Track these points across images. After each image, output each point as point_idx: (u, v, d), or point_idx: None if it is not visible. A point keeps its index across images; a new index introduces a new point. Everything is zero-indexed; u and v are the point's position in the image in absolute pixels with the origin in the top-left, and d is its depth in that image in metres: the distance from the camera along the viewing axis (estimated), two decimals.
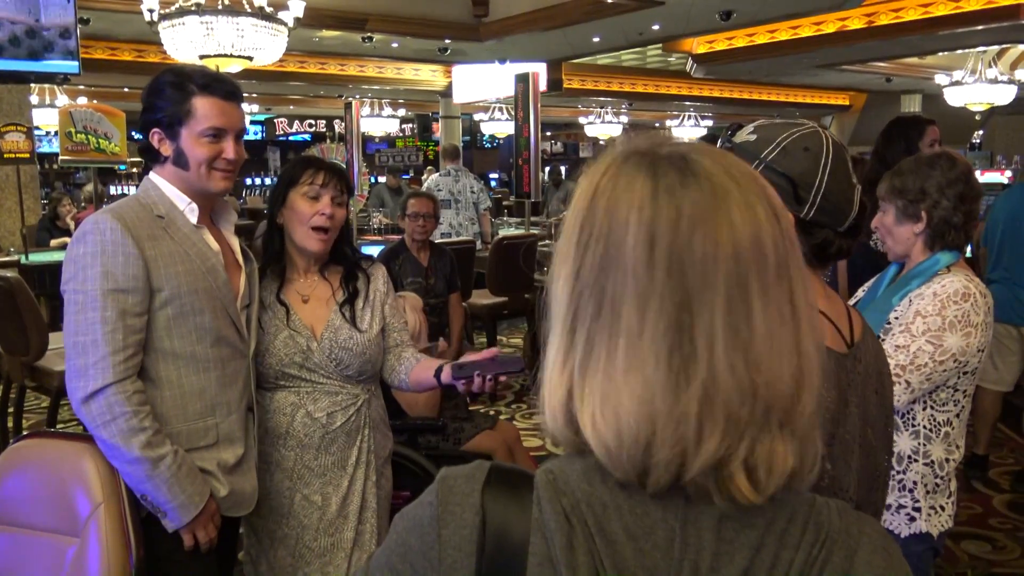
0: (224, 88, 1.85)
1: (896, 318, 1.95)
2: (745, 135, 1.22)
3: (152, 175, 1.88)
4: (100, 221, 1.74)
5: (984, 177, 9.78)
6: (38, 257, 6.50)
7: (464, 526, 0.67)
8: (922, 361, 1.84)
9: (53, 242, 7.39)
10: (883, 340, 1.94)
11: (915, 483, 1.92)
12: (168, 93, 1.81)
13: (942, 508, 1.95)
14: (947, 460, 1.94)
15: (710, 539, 0.65)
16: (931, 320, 1.86)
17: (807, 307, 0.67)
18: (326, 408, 2.07)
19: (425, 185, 8.15)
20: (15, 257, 6.44)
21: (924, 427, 1.92)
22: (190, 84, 1.81)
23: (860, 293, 2.18)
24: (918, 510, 1.91)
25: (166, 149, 1.84)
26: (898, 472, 1.93)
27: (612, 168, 0.69)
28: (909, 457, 1.93)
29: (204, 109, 1.81)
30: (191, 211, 1.86)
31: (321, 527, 2.07)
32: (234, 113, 1.87)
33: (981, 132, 15.56)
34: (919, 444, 1.93)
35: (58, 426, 4.30)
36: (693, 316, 0.63)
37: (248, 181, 18.25)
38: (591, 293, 0.66)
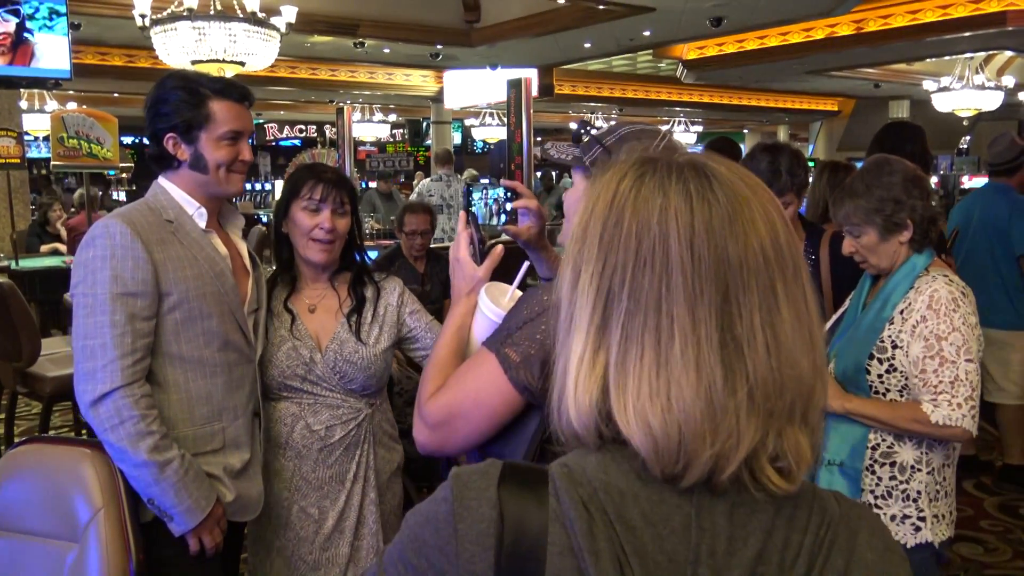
0: (238, 92, 1.88)
1: (890, 337, 1.92)
2: (604, 127, 1.32)
3: (161, 180, 1.88)
4: (110, 225, 1.75)
5: (972, 182, 9.88)
6: (28, 263, 6.47)
7: (481, 520, 0.68)
8: (975, 380, 1.85)
9: (43, 248, 7.36)
10: (876, 358, 1.94)
11: (919, 492, 1.91)
12: (181, 98, 1.82)
13: (943, 516, 1.94)
14: (945, 466, 1.95)
15: (724, 524, 0.67)
16: (955, 337, 1.85)
17: (815, 304, 0.72)
18: (325, 421, 2.05)
19: (416, 190, 8.12)
20: (5, 263, 6.41)
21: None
22: (203, 89, 1.83)
23: (848, 303, 2.17)
24: (923, 519, 1.90)
25: (183, 154, 1.84)
26: (901, 482, 1.91)
27: (631, 174, 0.72)
28: (912, 467, 1.91)
29: (222, 113, 1.83)
30: (200, 216, 1.87)
31: (317, 541, 2.06)
32: (247, 116, 1.91)
33: (968, 138, 15.70)
34: (922, 453, 1.91)
35: (50, 432, 4.27)
36: (734, 315, 0.67)
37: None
38: (625, 293, 0.69)
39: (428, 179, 7.83)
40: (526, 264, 1.37)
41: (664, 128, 1.36)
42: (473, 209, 1.49)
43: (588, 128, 1.39)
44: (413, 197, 7.61)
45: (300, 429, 2.05)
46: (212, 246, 1.88)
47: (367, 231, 8.49)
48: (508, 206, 1.47)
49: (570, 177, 1.47)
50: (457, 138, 17.53)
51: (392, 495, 2.20)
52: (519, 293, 1.32)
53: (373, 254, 5.24)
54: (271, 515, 2.05)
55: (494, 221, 8.62)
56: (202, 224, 1.87)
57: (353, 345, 2.05)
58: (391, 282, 2.20)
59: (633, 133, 1.28)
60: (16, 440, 4.05)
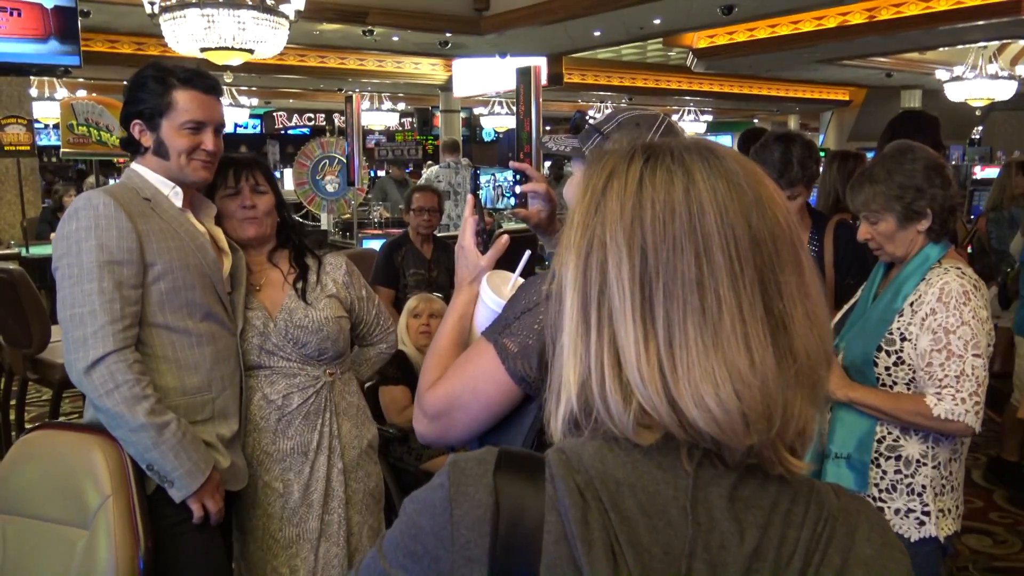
0: (205, 83, 1.91)
1: (899, 329, 1.90)
2: (600, 117, 1.31)
3: (134, 165, 1.93)
4: (92, 197, 1.78)
5: (984, 172, 9.79)
6: (39, 250, 6.50)
7: (478, 506, 0.67)
8: (982, 376, 1.83)
9: (53, 235, 7.38)
10: (884, 350, 1.92)
11: (924, 487, 1.89)
12: (150, 86, 1.87)
13: (949, 511, 1.92)
14: (952, 460, 1.93)
15: (720, 518, 0.66)
16: (963, 331, 1.82)
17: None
18: (282, 390, 2.08)
19: (425, 176, 8.17)
20: (16, 250, 6.44)
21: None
22: (171, 78, 1.87)
23: (860, 293, 2.15)
24: (927, 514, 1.89)
25: (147, 140, 1.89)
26: (906, 476, 1.90)
27: (639, 156, 0.71)
28: (917, 461, 1.90)
29: (185, 102, 1.87)
30: (175, 195, 1.91)
31: (285, 516, 2.07)
32: (214, 107, 1.93)
33: (981, 128, 15.55)
34: (928, 447, 1.89)
35: (60, 418, 4.29)
36: (772, 290, 0.67)
37: None
38: (661, 276, 0.67)
39: (437, 166, 7.92)
40: (528, 252, 1.36)
41: (660, 113, 1.36)
42: (480, 193, 1.46)
43: (585, 118, 1.39)
44: (422, 183, 7.67)
45: (257, 400, 2.07)
46: (190, 223, 1.92)
47: (376, 219, 8.50)
48: (517, 189, 1.45)
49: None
50: (463, 127, 17.47)
51: (366, 474, 2.20)
52: (521, 281, 1.32)
53: (379, 243, 5.23)
54: (239, 494, 2.05)
55: (500, 204, 8.60)
56: (178, 203, 1.91)
57: (303, 311, 2.10)
58: (336, 258, 2.26)
59: (632, 119, 1.28)
60: (27, 426, 4.08)
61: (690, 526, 0.66)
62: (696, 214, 0.67)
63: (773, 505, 0.67)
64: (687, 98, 16.70)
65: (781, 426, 0.66)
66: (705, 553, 0.65)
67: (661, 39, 10.89)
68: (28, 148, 6.63)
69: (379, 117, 15.29)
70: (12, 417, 4.31)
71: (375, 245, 5.94)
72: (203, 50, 6.28)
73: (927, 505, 1.89)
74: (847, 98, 16.52)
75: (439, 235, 4.64)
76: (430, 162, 13.51)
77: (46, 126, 13.83)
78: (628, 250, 0.68)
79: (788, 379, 0.66)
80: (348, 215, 7.68)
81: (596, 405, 0.69)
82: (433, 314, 3.21)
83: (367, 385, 3.19)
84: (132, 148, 1.93)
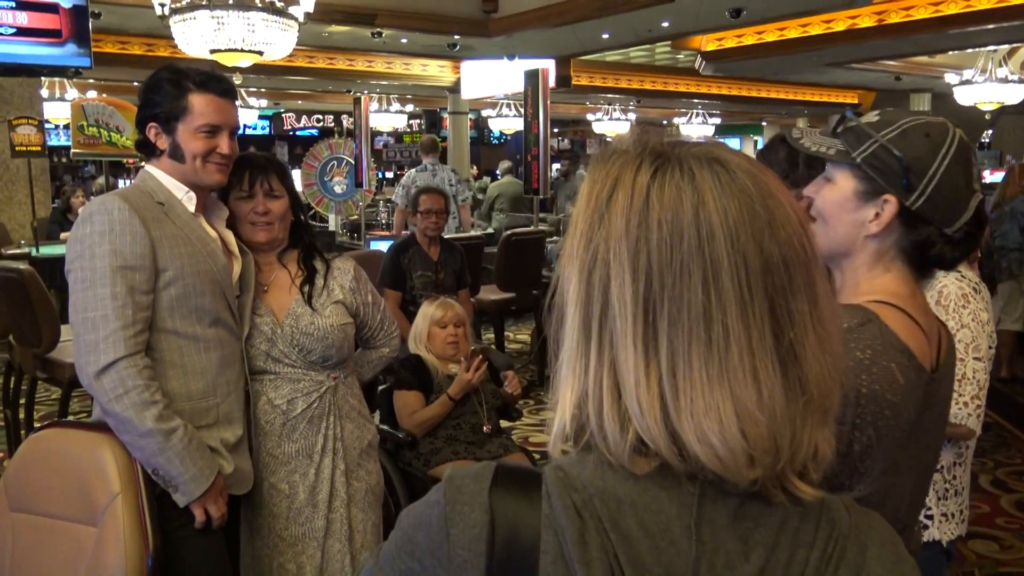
0: (220, 86, 1.92)
1: None
2: (869, 117, 1.19)
3: (149, 167, 1.94)
4: (107, 201, 1.80)
5: (993, 176, 9.77)
6: (49, 250, 6.54)
7: (474, 525, 0.66)
8: (983, 379, 1.83)
9: (63, 235, 7.41)
10: None
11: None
12: (165, 89, 1.88)
13: (952, 515, 1.92)
14: (956, 464, 1.93)
15: (725, 537, 0.64)
16: (963, 334, 1.83)
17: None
18: (287, 395, 2.09)
19: (402, 182, 7.67)
20: (26, 250, 6.48)
21: None
22: (187, 81, 1.88)
23: None
24: (930, 518, 1.89)
25: (162, 143, 1.90)
26: None
27: (647, 165, 0.67)
28: None
29: (200, 106, 1.88)
30: (189, 199, 1.92)
31: (291, 516, 2.10)
32: (229, 110, 1.94)
33: (990, 131, 15.49)
34: None
35: (69, 417, 4.32)
36: (783, 316, 0.64)
37: None
38: (666, 300, 0.64)
39: (414, 170, 7.51)
40: None
41: (947, 121, 1.17)
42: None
43: (853, 116, 1.22)
44: (398, 191, 7.34)
45: (262, 405, 2.08)
46: (202, 228, 1.93)
47: (383, 220, 8.51)
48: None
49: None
50: (471, 129, 17.47)
51: (367, 472, 2.22)
52: None
53: (387, 244, 5.25)
54: (244, 496, 2.07)
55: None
56: (191, 208, 1.92)
57: (309, 317, 2.10)
58: (344, 262, 2.25)
59: (919, 127, 1.13)
60: (36, 424, 4.10)
61: (693, 546, 0.64)
62: (705, 238, 0.63)
63: (782, 524, 0.65)
64: (695, 101, 16.67)
65: (789, 457, 0.64)
66: (709, 574, 0.63)
67: (669, 42, 10.88)
68: (39, 148, 6.67)
69: (387, 119, 15.32)
70: (22, 416, 4.34)
71: (383, 247, 5.95)
72: (213, 51, 6.31)
73: (930, 509, 1.89)
74: (856, 101, 16.46)
75: (445, 236, 4.65)
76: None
77: (56, 127, 13.91)
78: (632, 272, 0.64)
79: (797, 411, 0.64)
80: (356, 216, 7.70)
81: (591, 428, 0.67)
82: (457, 323, 3.22)
83: (381, 388, 3.21)
84: (147, 150, 1.94)
